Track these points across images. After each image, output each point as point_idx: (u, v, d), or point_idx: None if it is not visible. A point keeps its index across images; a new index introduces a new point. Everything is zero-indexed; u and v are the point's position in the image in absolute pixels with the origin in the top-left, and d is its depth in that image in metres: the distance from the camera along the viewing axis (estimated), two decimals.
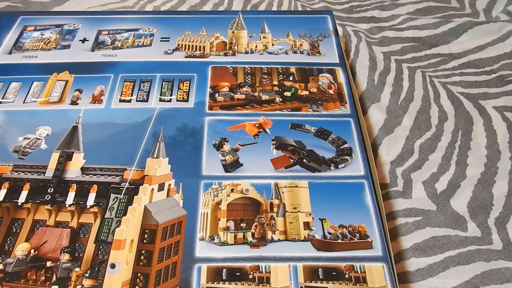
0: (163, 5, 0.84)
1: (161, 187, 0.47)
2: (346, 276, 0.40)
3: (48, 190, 0.47)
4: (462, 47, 0.79)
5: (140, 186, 0.46)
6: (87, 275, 0.40)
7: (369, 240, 0.43)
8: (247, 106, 0.55)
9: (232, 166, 0.49)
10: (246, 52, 0.63)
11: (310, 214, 0.45)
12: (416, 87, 0.71)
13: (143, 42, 0.64)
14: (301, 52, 0.63)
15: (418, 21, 0.83)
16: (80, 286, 0.40)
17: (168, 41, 0.64)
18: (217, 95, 0.56)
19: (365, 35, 0.79)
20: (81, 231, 0.44)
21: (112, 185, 0.47)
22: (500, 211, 0.57)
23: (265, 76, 0.59)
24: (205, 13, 0.71)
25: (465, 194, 0.58)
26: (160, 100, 0.56)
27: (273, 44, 0.64)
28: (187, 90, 0.57)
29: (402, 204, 0.57)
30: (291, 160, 0.50)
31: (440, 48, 0.79)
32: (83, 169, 0.49)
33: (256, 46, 0.64)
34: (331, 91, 0.57)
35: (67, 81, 0.58)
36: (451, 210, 0.57)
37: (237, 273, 0.40)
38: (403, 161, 0.61)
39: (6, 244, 0.43)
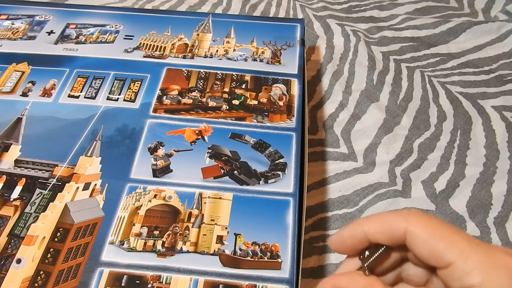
0: (162, 5, 0.84)
1: (86, 186, 0.47)
2: None
3: None
4: (461, 47, 0.79)
5: (66, 184, 0.47)
6: None
7: (279, 260, 0.42)
8: (192, 112, 0.55)
9: (161, 171, 0.49)
10: (205, 56, 0.62)
11: (226, 228, 0.44)
12: (415, 86, 0.71)
13: (107, 39, 0.65)
14: (261, 60, 0.62)
15: (417, 21, 0.83)
16: None
17: (131, 39, 0.64)
18: (164, 98, 0.56)
19: (364, 35, 0.79)
20: None
21: (39, 180, 0.47)
22: (499, 211, 0.57)
23: (218, 82, 0.59)
24: (177, 14, 0.71)
25: (464, 193, 0.59)
26: (108, 98, 0.56)
27: (234, 50, 0.63)
28: (136, 91, 0.57)
29: (401, 203, 0.57)
30: (222, 171, 0.49)
31: (439, 48, 0.79)
32: (16, 162, 0.49)
33: (217, 51, 0.63)
34: (281, 103, 0.56)
35: (23, 72, 0.59)
36: (450, 210, 0.57)
37: (137, 281, 0.40)
38: (402, 161, 0.62)
39: None
